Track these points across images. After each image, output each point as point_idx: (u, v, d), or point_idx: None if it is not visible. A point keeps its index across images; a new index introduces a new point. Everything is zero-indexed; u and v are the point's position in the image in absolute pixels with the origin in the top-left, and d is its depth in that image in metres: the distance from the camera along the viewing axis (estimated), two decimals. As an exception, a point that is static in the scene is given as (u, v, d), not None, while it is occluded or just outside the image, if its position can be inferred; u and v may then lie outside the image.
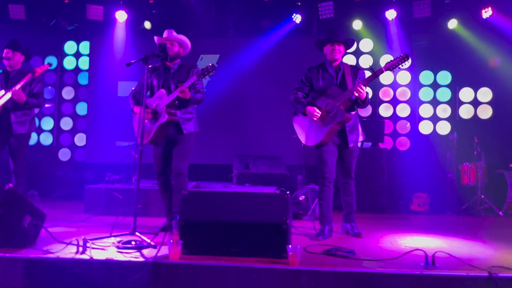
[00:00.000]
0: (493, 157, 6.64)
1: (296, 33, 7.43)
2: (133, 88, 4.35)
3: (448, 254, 3.23)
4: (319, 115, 3.92)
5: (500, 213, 6.19)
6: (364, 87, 3.75)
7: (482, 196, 6.41)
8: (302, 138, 4.12)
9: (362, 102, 3.86)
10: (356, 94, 3.74)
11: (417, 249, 3.23)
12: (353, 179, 4.18)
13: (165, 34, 4.28)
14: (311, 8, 7.28)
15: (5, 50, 4.62)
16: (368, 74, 3.93)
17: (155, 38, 4.34)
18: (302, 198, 5.64)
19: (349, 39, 4.10)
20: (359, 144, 4.22)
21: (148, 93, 4.36)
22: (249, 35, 7.51)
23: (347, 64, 4.05)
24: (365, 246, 3.72)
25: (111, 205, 5.36)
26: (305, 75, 4.12)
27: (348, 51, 7.20)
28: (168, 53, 4.19)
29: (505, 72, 7.00)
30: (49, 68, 4.79)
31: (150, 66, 4.24)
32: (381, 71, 3.79)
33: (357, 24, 7.29)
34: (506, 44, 6.91)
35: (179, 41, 4.27)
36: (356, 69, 4.07)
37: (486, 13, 6.83)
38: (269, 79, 7.53)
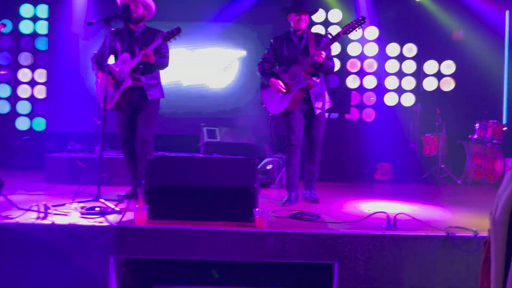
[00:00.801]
0: (454, 128, 6.86)
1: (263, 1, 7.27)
2: (95, 52, 4.16)
3: (409, 216, 3.34)
4: (283, 88, 3.97)
5: (459, 181, 6.46)
6: (323, 52, 3.80)
7: (442, 166, 6.66)
8: (268, 107, 4.16)
9: (319, 66, 3.90)
10: (315, 59, 3.80)
11: (380, 212, 3.33)
12: (320, 148, 4.22)
13: None
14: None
15: None
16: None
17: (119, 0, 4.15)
18: (269, 167, 5.67)
19: (314, 9, 4.15)
20: (326, 115, 4.26)
21: (112, 57, 4.21)
22: (218, 2, 7.28)
23: (310, 32, 4.10)
24: (330, 211, 3.81)
25: (74, 174, 5.16)
26: (270, 44, 4.14)
27: (317, 21, 7.31)
28: (131, 15, 4.02)
29: (469, 45, 7.17)
30: (2, 28, 4.50)
31: (113, 29, 4.09)
32: (338, 35, 3.85)
33: (326, -6, 7.23)
34: (470, 17, 7.05)
35: (143, 2, 4.10)
36: (320, 36, 4.13)
37: (452, -15, 6.92)
38: (234, 45, 7.36)
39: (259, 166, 5.80)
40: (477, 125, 6.56)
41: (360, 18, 3.81)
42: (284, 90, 3.97)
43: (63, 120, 7.41)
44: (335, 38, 3.87)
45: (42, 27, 7.62)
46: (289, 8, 4.01)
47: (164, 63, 4.08)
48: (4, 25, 4.53)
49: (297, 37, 4.05)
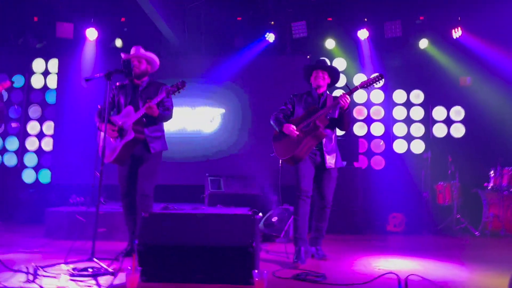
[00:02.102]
0: (467, 176, 6.62)
1: (269, 51, 7.38)
2: (99, 106, 4.17)
3: (422, 277, 3.10)
4: (295, 132, 3.95)
5: (476, 233, 6.13)
6: (348, 97, 3.86)
7: (458, 216, 6.36)
8: (279, 154, 4.08)
9: (343, 111, 3.91)
10: (341, 102, 3.84)
11: (390, 272, 3.10)
12: (330, 205, 4.10)
13: (132, 51, 4.17)
14: (284, 27, 7.27)
15: None
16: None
17: (122, 54, 4.21)
18: (275, 219, 5.46)
19: (334, 68, 4.24)
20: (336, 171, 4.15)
21: (115, 111, 4.22)
22: (222, 54, 7.43)
23: (330, 95, 4.17)
24: (338, 269, 3.59)
25: (74, 229, 5.08)
26: (290, 98, 4.23)
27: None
28: (134, 70, 4.09)
29: (476, 91, 7.06)
30: (10, 86, 4.59)
31: (118, 83, 4.19)
32: (356, 88, 3.98)
33: (330, 43, 7.29)
34: (477, 63, 6.98)
35: (147, 58, 4.18)
36: (337, 97, 4.14)
37: (456, 33, 6.93)
38: (243, 98, 7.43)
39: (264, 218, 5.61)
40: (492, 172, 6.31)
41: (378, 75, 3.92)
42: (297, 133, 3.93)
43: (67, 172, 7.39)
44: (352, 91, 3.97)
45: (52, 81, 7.79)
46: (308, 66, 4.17)
47: (167, 116, 4.08)
48: (12, 83, 4.60)
49: (317, 94, 4.13)
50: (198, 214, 3.26)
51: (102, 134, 4.05)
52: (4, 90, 7.42)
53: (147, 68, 4.16)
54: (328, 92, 4.20)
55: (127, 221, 4.16)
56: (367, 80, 3.96)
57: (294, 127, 3.97)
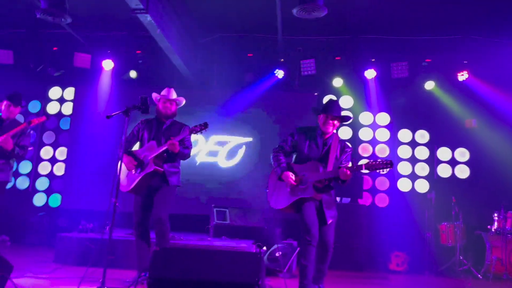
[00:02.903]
0: (471, 217, 6.66)
1: (278, 87, 7.61)
2: (123, 138, 4.40)
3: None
4: (294, 183, 3.88)
5: (479, 275, 6.13)
6: (350, 174, 3.68)
7: (461, 257, 6.36)
8: (270, 198, 4.07)
9: (342, 183, 3.83)
10: (341, 177, 3.71)
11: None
12: (332, 250, 4.04)
13: (165, 92, 4.43)
14: (293, 64, 7.51)
15: (5, 102, 4.60)
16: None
17: (154, 94, 4.46)
18: (279, 254, 5.53)
19: (346, 116, 4.08)
20: (338, 199, 4.19)
21: (137, 143, 4.47)
22: (233, 88, 7.66)
23: (336, 138, 4.02)
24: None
25: (83, 256, 5.18)
26: (291, 136, 4.08)
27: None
28: (166, 111, 4.36)
29: (482, 133, 7.18)
30: (45, 120, 4.85)
31: (143, 119, 4.47)
32: (360, 167, 3.72)
33: (337, 82, 7.51)
34: (482, 106, 7.12)
35: (178, 101, 4.44)
36: (344, 146, 4.03)
37: (462, 76, 7.11)
38: (252, 130, 7.61)
39: (268, 252, 5.68)
40: (495, 215, 6.34)
41: (388, 162, 3.66)
42: (294, 184, 3.86)
43: (77, 197, 7.54)
44: (357, 169, 3.72)
45: (67, 108, 8.06)
46: (320, 109, 4.00)
47: (187, 154, 4.33)
48: (47, 118, 4.83)
49: (322, 141, 3.98)
50: (208, 250, 3.37)
51: (123, 164, 4.27)
52: (33, 132, 7.75)
53: (176, 110, 4.45)
54: (335, 131, 4.06)
55: (138, 249, 4.27)
56: (375, 163, 3.68)
57: (293, 179, 3.88)
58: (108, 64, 7.58)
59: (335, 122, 3.96)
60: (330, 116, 3.91)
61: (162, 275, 3.24)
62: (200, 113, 7.52)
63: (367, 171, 3.77)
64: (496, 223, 6.31)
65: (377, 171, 3.70)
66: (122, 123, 4.34)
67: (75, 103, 8.02)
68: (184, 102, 4.50)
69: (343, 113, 4.19)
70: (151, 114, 4.34)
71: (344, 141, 4.15)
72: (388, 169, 3.67)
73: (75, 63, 7.46)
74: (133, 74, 7.65)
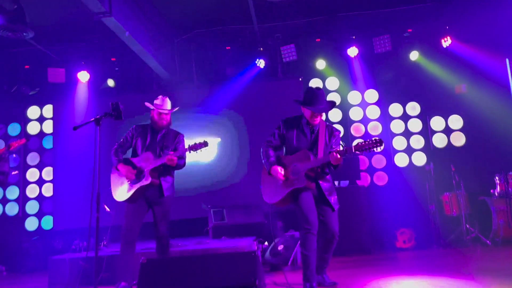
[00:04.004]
0: (473, 184, 6.52)
1: (261, 77, 7.41)
2: (116, 143, 4.34)
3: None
4: (282, 177, 3.82)
5: (488, 241, 5.99)
6: (341, 158, 3.62)
7: (467, 226, 6.23)
8: (264, 194, 4.01)
9: (334, 168, 3.79)
10: (333, 163, 3.66)
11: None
12: (338, 235, 3.93)
13: (159, 102, 4.30)
14: (273, 52, 7.31)
15: None
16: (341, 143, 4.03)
17: (147, 104, 4.33)
18: (281, 247, 5.35)
19: (331, 106, 3.98)
20: (336, 183, 4.09)
21: (131, 151, 4.37)
22: (215, 84, 7.46)
23: (323, 124, 3.95)
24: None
25: (76, 276, 4.97)
26: (278, 128, 4.00)
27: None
28: (162, 123, 4.28)
29: (473, 97, 7.01)
30: (25, 143, 4.67)
31: (137, 125, 4.42)
32: (350, 149, 3.66)
33: (320, 64, 7.31)
34: (470, 70, 6.96)
35: (172, 112, 4.37)
36: (332, 130, 3.97)
37: (446, 42, 6.92)
38: (238, 125, 7.41)
39: (270, 247, 5.50)
40: (497, 178, 6.20)
41: (378, 140, 3.60)
42: (283, 179, 3.80)
43: (69, 216, 7.33)
44: (347, 152, 3.67)
45: (48, 127, 7.83)
46: (305, 102, 3.86)
47: (182, 165, 4.32)
48: (27, 140, 4.65)
49: (309, 129, 3.93)
50: (200, 256, 3.19)
51: (116, 173, 4.22)
52: (15, 155, 7.54)
53: (170, 119, 4.36)
54: (322, 118, 3.97)
55: (123, 256, 4.14)
56: (364, 143, 3.62)
57: (282, 173, 3.81)
58: (83, 76, 7.35)
59: (321, 114, 3.92)
60: (316, 111, 3.82)
61: (154, 288, 3.06)
62: (183, 114, 7.31)
63: (357, 153, 3.67)
64: (498, 187, 6.19)
65: (369, 151, 3.60)
66: (108, 135, 4.18)
67: (54, 120, 7.80)
68: (177, 108, 4.43)
69: (328, 97, 4.08)
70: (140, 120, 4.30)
71: (331, 125, 4.08)
72: (379, 148, 3.58)
73: (49, 79, 7.24)
74: (110, 82, 7.44)
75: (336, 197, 3.96)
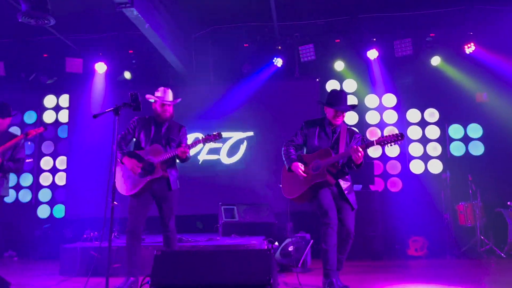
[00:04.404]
0: (489, 195, 6.38)
1: (278, 76, 7.33)
2: (119, 135, 4.21)
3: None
4: (302, 173, 3.85)
5: (502, 254, 5.86)
6: (362, 152, 3.63)
7: (482, 237, 6.12)
8: (284, 190, 4.04)
9: (356, 167, 3.78)
10: (354, 158, 3.66)
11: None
12: (353, 236, 3.93)
13: (161, 93, 4.21)
14: (291, 51, 7.23)
15: None
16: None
17: (148, 96, 4.25)
18: (291, 248, 5.28)
19: (354, 106, 4.16)
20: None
21: (134, 144, 4.29)
22: (231, 81, 7.41)
23: (344, 126, 4.03)
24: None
25: (88, 266, 4.98)
26: (301, 129, 4.08)
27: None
28: (165, 114, 4.17)
29: (494, 106, 6.85)
30: (43, 131, 4.63)
31: (138, 117, 4.29)
32: (372, 143, 3.71)
33: (339, 65, 7.21)
34: (492, 78, 6.79)
35: (175, 103, 4.27)
36: (352, 132, 4.04)
37: (469, 48, 6.77)
38: (253, 124, 7.36)
39: (280, 247, 5.44)
40: (515, 190, 6.08)
41: (399, 134, 3.64)
42: (304, 175, 3.83)
43: (82, 206, 7.35)
44: (368, 146, 3.74)
45: (64, 116, 7.86)
46: (329, 103, 3.94)
47: (190, 158, 4.26)
48: (45, 129, 4.61)
49: (331, 130, 3.99)
50: (214, 251, 3.15)
51: (122, 167, 4.12)
52: (30, 143, 7.58)
53: (173, 110, 4.27)
54: (344, 121, 4.07)
55: (130, 254, 4.08)
56: (386, 137, 3.67)
57: (302, 168, 3.86)
58: (101, 67, 7.36)
59: (344, 114, 3.97)
60: (339, 110, 3.88)
61: (166, 281, 3.03)
62: (198, 110, 7.32)
63: (379, 145, 3.70)
64: (516, 199, 6.03)
65: (390, 144, 3.65)
66: (124, 126, 4.16)
67: (70, 110, 7.82)
68: (179, 100, 4.33)
69: (349, 99, 4.07)
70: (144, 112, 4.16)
71: (351, 128, 4.16)
72: (400, 140, 3.63)
73: (67, 68, 7.27)
74: (127, 75, 7.44)
75: (354, 197, 3.97)
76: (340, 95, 3.96)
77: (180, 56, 6.92)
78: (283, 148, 4.06)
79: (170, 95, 4.23)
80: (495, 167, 6.73)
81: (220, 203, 6.43)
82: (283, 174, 4.08)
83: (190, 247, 5.00)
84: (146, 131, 4.19)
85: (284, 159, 4.02)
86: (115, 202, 5.55)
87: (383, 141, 3.66)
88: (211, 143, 4.18)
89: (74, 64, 7.21)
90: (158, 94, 4.19)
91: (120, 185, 4.08)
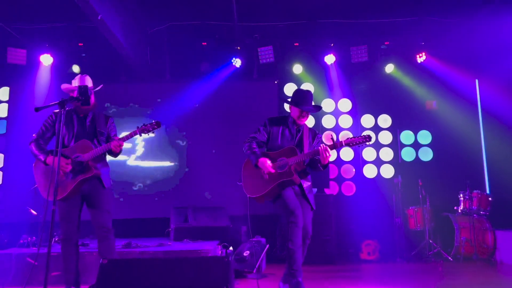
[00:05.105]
0: (438, 199, 6.58)
1: (236, 76, 7.21)
2: (34, 135, 3.78)
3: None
4: (271, 169, 3.73)
5: (450, 258, 6.05)
6: (329, 153, 3.61)
7: (431, 241, 6.29)
8: (246, 188, 3.90)
9: (323, 167, 3.75)
10: (322, 161, 3.63)
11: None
12: (310, 238, 3.86)
13: (77, 81, 3.81)
14: (250, 52, 7.13)
15: None
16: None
17: (64, 85, 3.85)
18: (246, 253, 5.14)
19: (319, 107, 4.05)
20: None
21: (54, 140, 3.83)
22: (188, 80, 7.18)
23: (306, 126, 4.00)
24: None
25: (25, 273, 4.55)
26: (264, 126, 3.97)
27: (290, 94, 7.22)
28: (90, 98, 3.74)
29: (442, 114, 7.13)
30: None
31: (56, 111, 3.82)
32: (340, 144, 3.69)
33: (297, 68, 7.21)
34: (442, 87, 7.09)
35: (96, 90, 3.87)
36: (315, 133, 4.03)
37: (421, 57, 7.01)
38: (209, 124, 7.17)
39: (235, 253, 5.29)
40: (461, 195, 6.30)
41: (367, 136, 3.66)
42: (272, 171, 3.72)
43: (19, 208, 6.76)
44: (337, 146, 3.68)
45: (3, 110, 7.26)
46: (295, 102, 3.86)
47: (121, 151, 3.84)
48: None
49: (294, 129, 3.94)
50: (166, 258, 2.93)
51: (43, 167, 3.69)
52: None
53: (94, 100, 3.85)
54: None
55: (67, 263, 3.72)
56: (355, 138, 3.66)
57: (270, 164, 3.74)
58: (46, 59, 6.86)
59: (309, 114, 3.94)
60: (305, 110, 3.84)
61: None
62: (152, 108, 7.01)
63: (347, 146, 3.70)
64: (462, 204, 6.28)
65: (358, 146, 3.67)
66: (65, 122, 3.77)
67: (10, 103, 7.23)
68: (100, 86, 3.89)
69: (315, 101, 4.01)
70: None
71: (313, 129, 4.14)
72: (368, 142, 3.66)
73: (8, 59, 6.74)
74: (76, 68, 6.99)
75: (313, 198, 3.92)
76: (306, 95, 3.92)
77: (135, 52, 6.59)
78: (245, 144, 3.91)
79: (88, 81, 3.81)
80: (443, 172, 6.98)
81: (172, 206, 6.18)
82: (244, 171, 3.93)
83: (139, 253, 4.71)
84: (67, 125, 3.74)
85: (248, 155, 3.86)
86: (33, 212, 5.05)
87: (351, 142, 3.65)
88: (149, 134, 3.73)
89: (17, 55, 6.69)
90: (75, 82, 3.79)
91: (45, 189, 3.63)
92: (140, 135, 3.71)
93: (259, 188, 3.76)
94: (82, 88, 3.67)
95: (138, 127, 3.68)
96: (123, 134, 3.78)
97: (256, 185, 3.78)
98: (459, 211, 6.29)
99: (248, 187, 3.86)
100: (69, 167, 3.60)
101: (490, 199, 6.25)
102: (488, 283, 4.57)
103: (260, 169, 3.75)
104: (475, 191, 6.21)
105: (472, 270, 5.34)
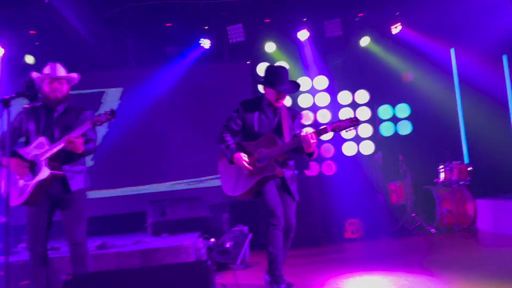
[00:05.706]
0: (418, 173, 6.54)
1: (206, 58, 6.83)
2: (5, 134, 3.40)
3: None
4: (248, 166, 3.38)
5: (432, 230, 6.03)
6: (315, 141, 3.25)
7: (413, 215, 6.26)
8: (225, 186, 3.56)
9: (309, 156, 3.40)
10: (306, 150, 3.28)
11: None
12: (294, 231, 3.61)
13: (48, 70, 3.43)
14: (219, 32, 6.75)
15: None
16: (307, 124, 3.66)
17: (34, 74, 3.44)
18: (229, 245, 4.93)
19: (297, 87, 3.63)
20: None
21: (23, 140, 3.45)
22: (154, 64, 6.77)
23: (285, 107, 3.57)
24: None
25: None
26: (237, 111, 3.57)
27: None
28: (56, 94, 3.37)
29: (420, 86, 6.98)
30: None
31: (27, 106, 3.43)
32: (325, 130, 3.30)
33: (270, 47, 6.88)
34: (418, 58, 6.92)
35: (69, 79, 3.46)
36: (294, 113, 3.63)
37: (396, 28, 6.79)
38: (181, 110, 6.84)
39: (217, 244, 5.08)
40: (441, 167, 6.24)
41: (354, 119, 3.28)
42: (250, 168, 3.38)
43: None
44: (321, 133, 3.31)
45: None
46: (269, 82, 3.45)
47: (91, 149, 3.42)
48: None
49: (271, 112, 3.53)
50: (139, 269, 2.67)
51: (4, 169, 3.26)
52: None
53: (68, 90, 3.45)
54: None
55: (35, 276, 3.35)
56: (340, 122, 3.28)
57: (247, 160, 3.38)
58: (-5, 50, 6.30)
59: (286, 95, 3.53)
60: (282, 91, 3.43)
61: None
62: (116, 96, 6.59)
63: (333, 132, 3.31)
64: (442, 175, 6.22)
65: (345, 130, 3.27)
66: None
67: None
68: (76, 75, 3.50)
69: (291, 79, 3.63)
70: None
71: (292, 108, 3.70)
72: (355, 126, 3.28)
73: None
74: (29, 59, 6.43)
75: (296, 186, 3.63)
76: (281, 72, 3.48)
77: (92, 37, 6.12)
78: (217, 137, 3.54)
79: (60, 70, 3.42)
80: (422, 145, 6.90)
81: (149, 200, 5.89)
82: (221, 167, 3.58)
83: (114, 254, 4.43)
84: (35, 121, 3.36)
85: (222, 150, 3.50)
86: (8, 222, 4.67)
87: (337, 127, 3.27)
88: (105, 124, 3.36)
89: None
90: (46, 71, 3.42)
91: (8, 194, 3.21)
92: (94, 128, 3.30)
93: (239, 187, 3.43)
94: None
95: (91, 119, 3.27)
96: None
97: (235, 182, 3.46)
98: (440, 183, 6.25)
99: (226, 184, 3.53)
100: (25, 170, 3.24)
101: (469, 168, 6.21)
102: (469, 256, 4.55)
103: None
104: (454, 162, 6.15)
105: (456, 242, 5.35)
